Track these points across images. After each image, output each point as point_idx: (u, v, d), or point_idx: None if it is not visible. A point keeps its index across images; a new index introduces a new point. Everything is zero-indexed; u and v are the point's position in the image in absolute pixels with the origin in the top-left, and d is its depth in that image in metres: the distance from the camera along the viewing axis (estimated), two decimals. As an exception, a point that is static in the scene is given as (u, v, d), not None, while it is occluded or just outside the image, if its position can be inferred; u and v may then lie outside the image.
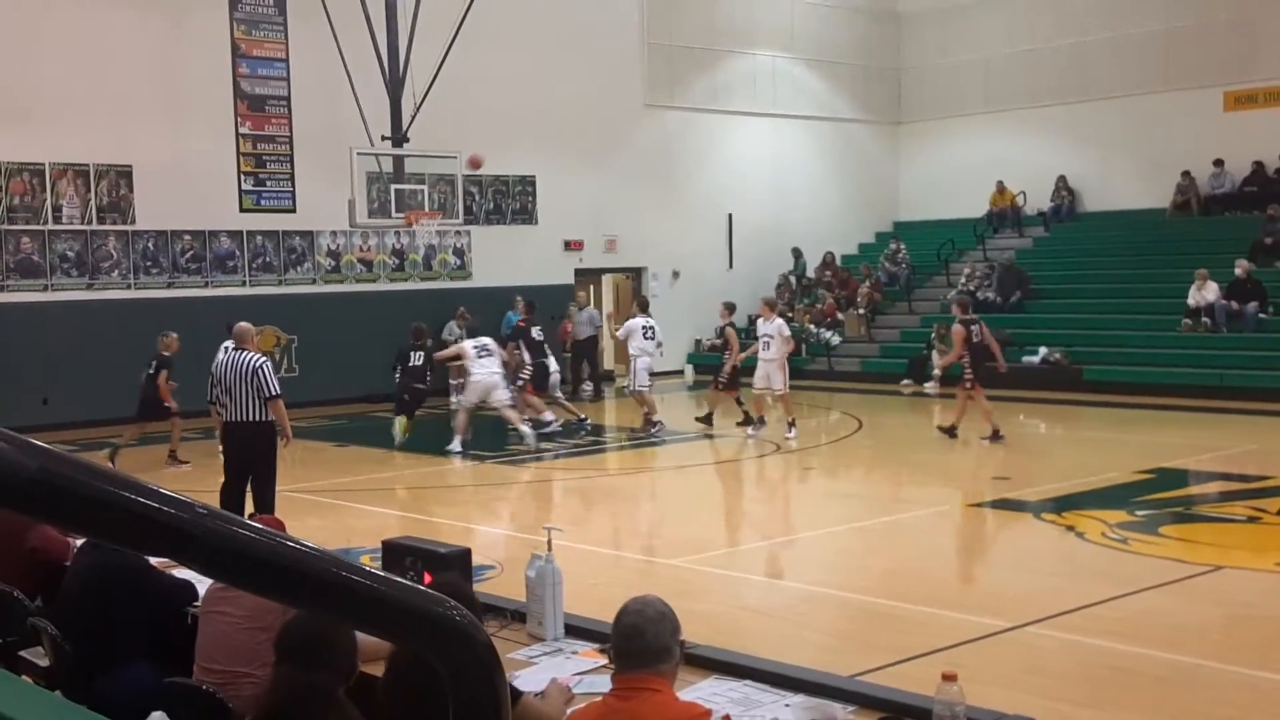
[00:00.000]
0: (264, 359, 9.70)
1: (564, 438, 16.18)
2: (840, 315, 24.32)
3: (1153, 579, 8.84)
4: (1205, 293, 20.22)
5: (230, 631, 4.50)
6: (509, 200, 22.79)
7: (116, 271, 18.88)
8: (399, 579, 1.62)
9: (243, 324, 10.11)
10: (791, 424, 15.66)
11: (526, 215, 22.96)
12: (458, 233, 21.85)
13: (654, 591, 3.61)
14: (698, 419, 16.76)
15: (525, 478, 14.09)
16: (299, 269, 20.52)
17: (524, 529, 11.01)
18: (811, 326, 24.07)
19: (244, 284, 19.89)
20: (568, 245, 23.37)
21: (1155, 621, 7.82)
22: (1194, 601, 8.37)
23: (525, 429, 15.42)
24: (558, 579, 4.79)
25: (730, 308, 17.14)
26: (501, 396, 15.45)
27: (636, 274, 24.87)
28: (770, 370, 15.75)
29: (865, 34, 27.75)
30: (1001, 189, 26.12)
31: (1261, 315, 19.79)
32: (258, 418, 9.56)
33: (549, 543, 4.96)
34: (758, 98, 26.08)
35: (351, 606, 1.57)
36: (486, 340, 15.95)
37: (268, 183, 19.94)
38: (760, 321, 16.32)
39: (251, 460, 9.69)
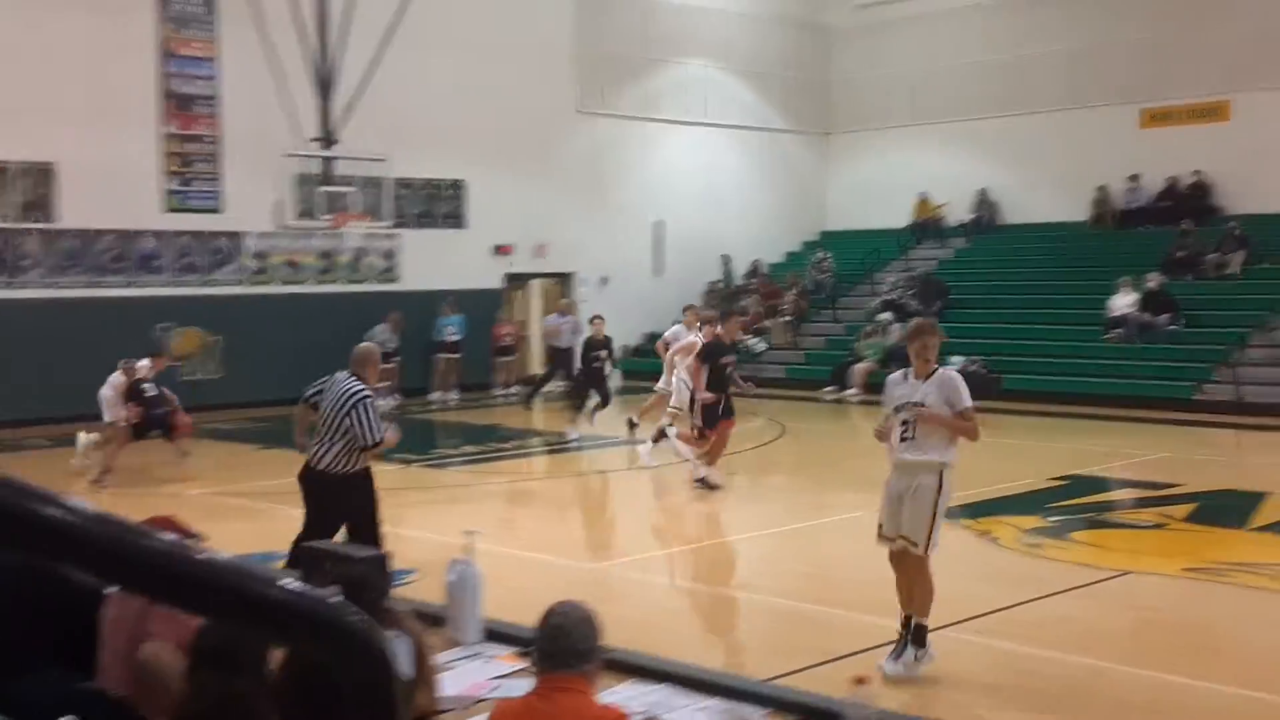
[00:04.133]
0: (367, 394, 7.69)
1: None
2: (767, 323, 24.57)
3: (1064, 583, 9.07)
4: (1125, 301, 20.73)
5: (136, 634, 4.46)
6: (439, 204, 22.73)
7: (37, 271, 18.56)
8: (292, 582, 1.61)
9: (365, 344, 8.48)
10: None
11: (456, 219, 22.91)
12: (387, 235, 21.74)
13: (576, 595, 3.69)
14: None
15: (450, 482, 14.08)
16: (224, 270, 20.30)
17: (447, 533, 11.02)
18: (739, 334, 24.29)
19: (168, 284, 19.64)
20: (497, 250, 23.35)
21: (1066, 625, 8.03)
22: (1104, 606, 8.60)
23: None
24: (478, 583, 4.86)
25: None
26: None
27: (565, 279, 24.92)
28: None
29: (795, 46, 28.04)
30: (925, 200, 26.56)
31: (1173, 327, 20.32)
32: (342, 468, 7.66)
33: (470, 547, 5.02)
34: (689, 107, 26.25)
35: (240, 611, 1.54)
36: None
37: (194, 183, 19.74)
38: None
39: (339, 516, 7.75)
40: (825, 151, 28.78)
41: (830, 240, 27.63)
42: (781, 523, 11.78)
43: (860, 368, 21.74)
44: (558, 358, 20.19)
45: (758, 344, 23.91)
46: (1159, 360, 19.71)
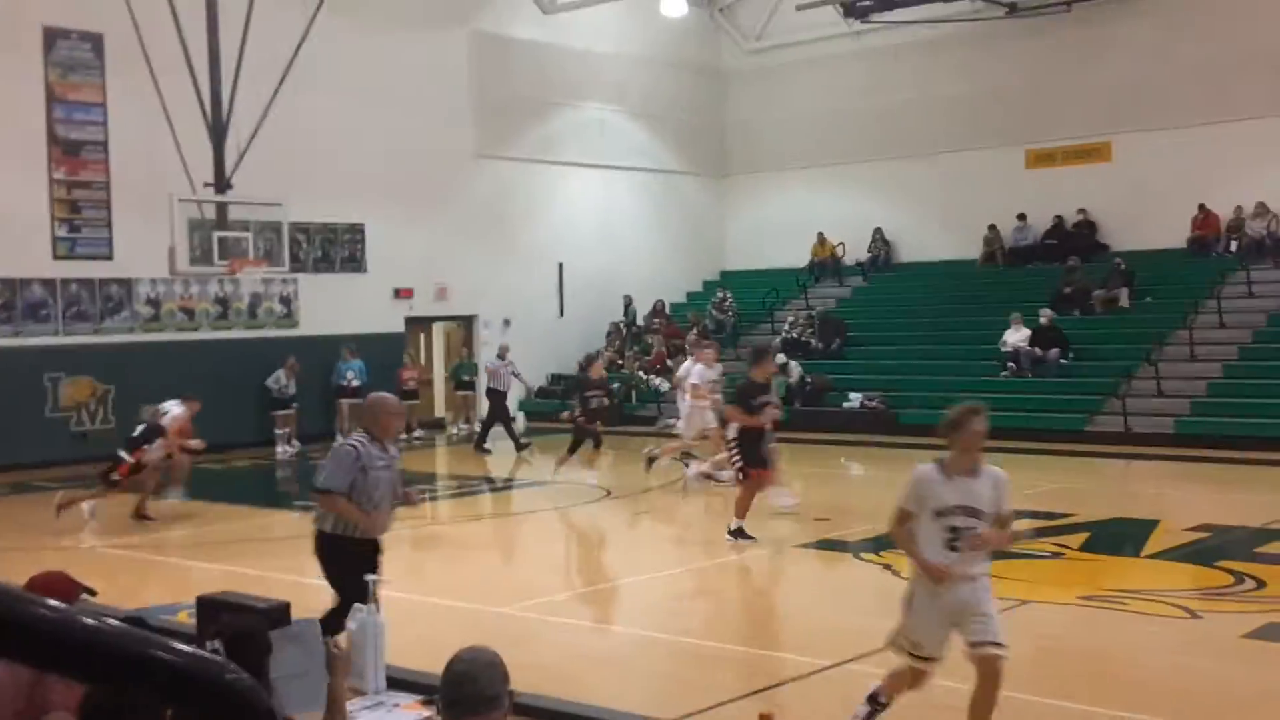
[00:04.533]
0: (349, 441, 7.46)
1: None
2: (670, 362, 24.69)
3: (964, 615, 9.19)
4: (1017, 336, 21.25)
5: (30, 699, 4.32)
6: (337, 248, 22.52)
7: (-83, 321, 17.99)
8: (175, 643, 1.54)
9: (373, 395, 7.87)
10: None
11: (355, 263, 22.71)
12: (284, 280, 21.46)
13: (484, 641, 3.65)
14: None
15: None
16: (116, 317, 19.86)
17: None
18: (641, 374, 24.42)
19: (57, 333, 19.15)
20: (397, 293, 23.18)
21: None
22: (1008, 634, 8.73)
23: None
24: (380, 631, 4.79)
25: None
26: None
27: (467, 322, 24.82)
28: None
29: (691, 89, 28.40)
30: (822, 240, 27.02)
31: (1063, 360, 20.86)
32: (329, 528, 7.26)
33: (372, 593, 4.96)
34: (588, 149, 26.41)
35: (121, 673, 1.47)
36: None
37: (83, 229, 19.32)
38: None
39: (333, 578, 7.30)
40: (723, 192, 29.13)
41: (730, 280, 27.92)
42: (689, 562, 11.79)
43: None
44: (496, 399, 20.49)
45: (662, 383, 24.00)
46: (1051, 394, 20.19)
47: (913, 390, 21.24)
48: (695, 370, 15.38)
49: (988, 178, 24.96)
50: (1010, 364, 21.14)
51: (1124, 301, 22.08)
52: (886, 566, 10.77)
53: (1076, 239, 23.92)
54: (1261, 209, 22.26)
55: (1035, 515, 13.22)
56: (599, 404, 16.34)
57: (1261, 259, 21.75)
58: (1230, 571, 10.25)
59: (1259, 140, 22.08)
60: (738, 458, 12.14)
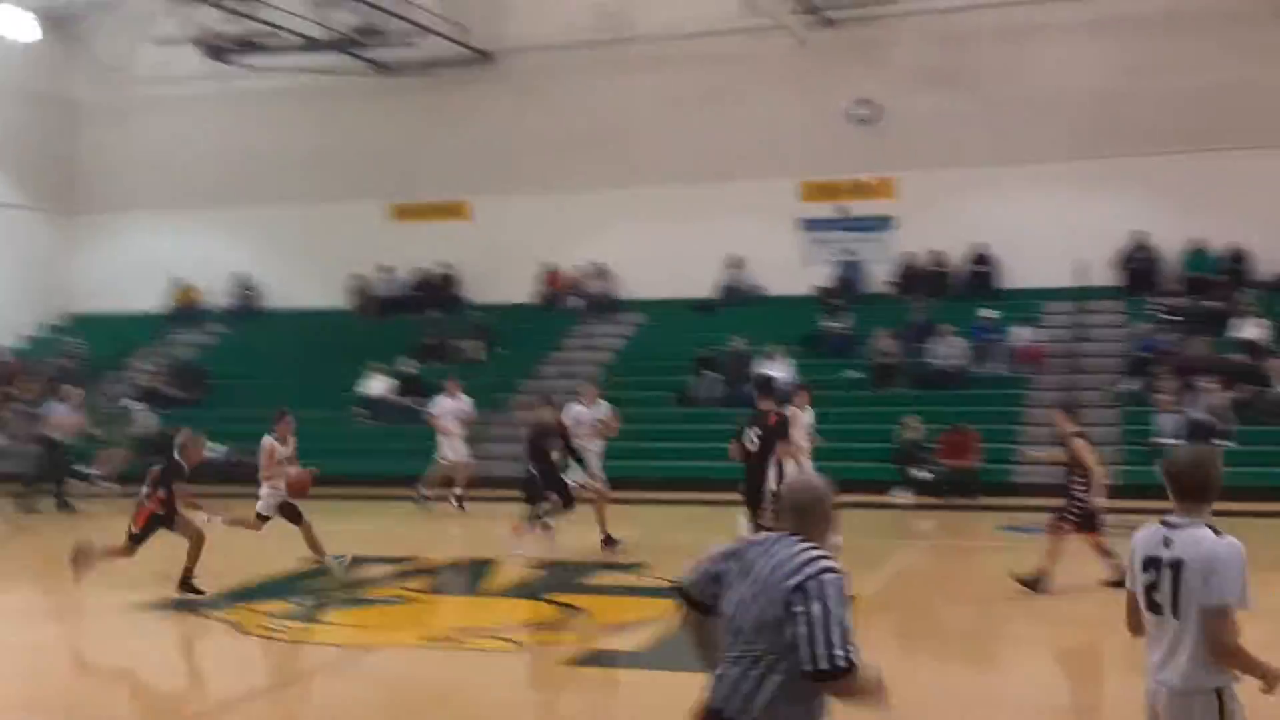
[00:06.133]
0: (830, 566, 3.75)
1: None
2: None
3: (313, 665, 9.19)
4: (375, 385, 21.71)
5: None
6: None
7: None
8: None
9: (806, 482, 4.19)
10: None
11: None
12: None
13: None
14: (1021, 580, 10.80)
15: None
16: None
17: None
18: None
19: None
20: None
21: (318, 706, 8.12)
22: (355, 683, 8.83)
23: None
24: None
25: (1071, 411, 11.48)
26: None
27: None
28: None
29: (36, 119, 26.25)
30: (183, 285, 26.09)
31: (422, 411, 21.56)
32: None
33: None
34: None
35: None
36: None
37: None
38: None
39: None
40: (71, 231, 27.17)
41: (80, 324, 26.09)
42: (15, 631, 10.70)
43: (117, 454, 20.70)
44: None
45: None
46: (407, 441, 20.66)
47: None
48: (576, 411, 15.26)
49: (354, 228, 25.33)
50: (370, 410, 21.59)
51: (479, 353, 23.29)
52: (231, 623, 10.44)
53: (439, 292, 24.94)
54: (600, 269, 24.48)
55: (383, 561, 13.42)
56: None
57: (599, 315, 23.97)
58: (558, 604, 11.03)
59: (600, 208, 24.26)
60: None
